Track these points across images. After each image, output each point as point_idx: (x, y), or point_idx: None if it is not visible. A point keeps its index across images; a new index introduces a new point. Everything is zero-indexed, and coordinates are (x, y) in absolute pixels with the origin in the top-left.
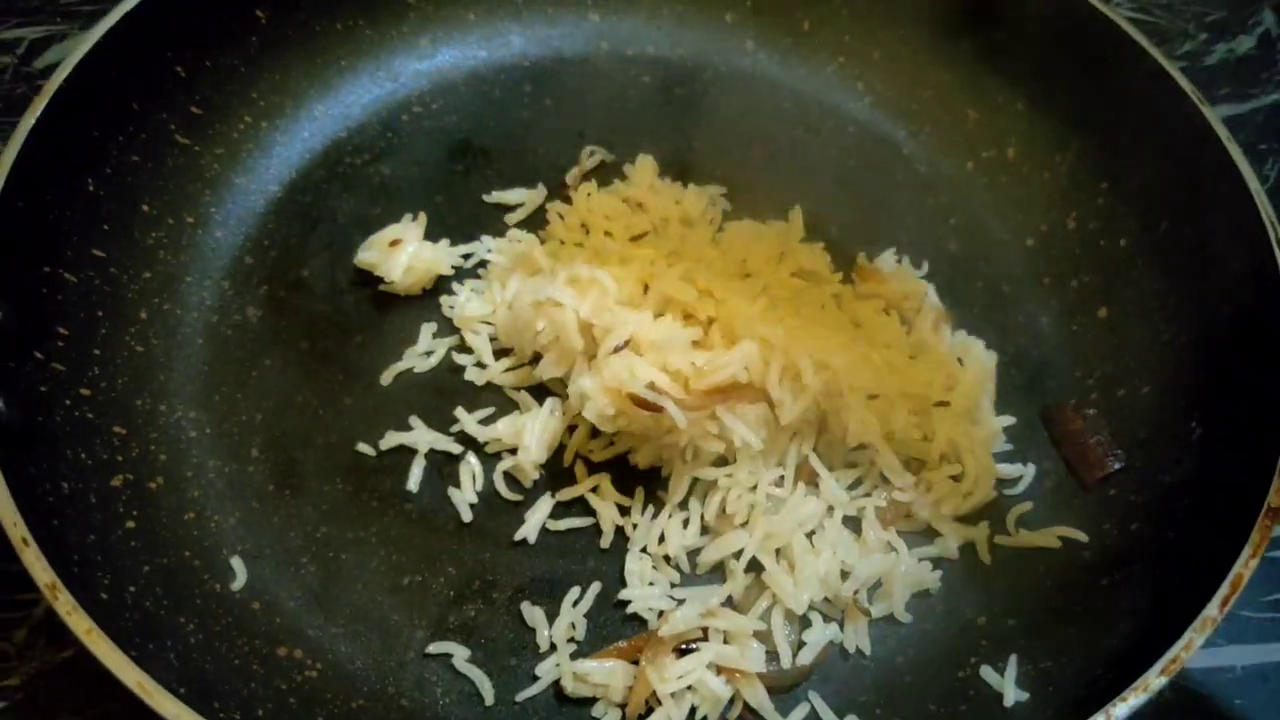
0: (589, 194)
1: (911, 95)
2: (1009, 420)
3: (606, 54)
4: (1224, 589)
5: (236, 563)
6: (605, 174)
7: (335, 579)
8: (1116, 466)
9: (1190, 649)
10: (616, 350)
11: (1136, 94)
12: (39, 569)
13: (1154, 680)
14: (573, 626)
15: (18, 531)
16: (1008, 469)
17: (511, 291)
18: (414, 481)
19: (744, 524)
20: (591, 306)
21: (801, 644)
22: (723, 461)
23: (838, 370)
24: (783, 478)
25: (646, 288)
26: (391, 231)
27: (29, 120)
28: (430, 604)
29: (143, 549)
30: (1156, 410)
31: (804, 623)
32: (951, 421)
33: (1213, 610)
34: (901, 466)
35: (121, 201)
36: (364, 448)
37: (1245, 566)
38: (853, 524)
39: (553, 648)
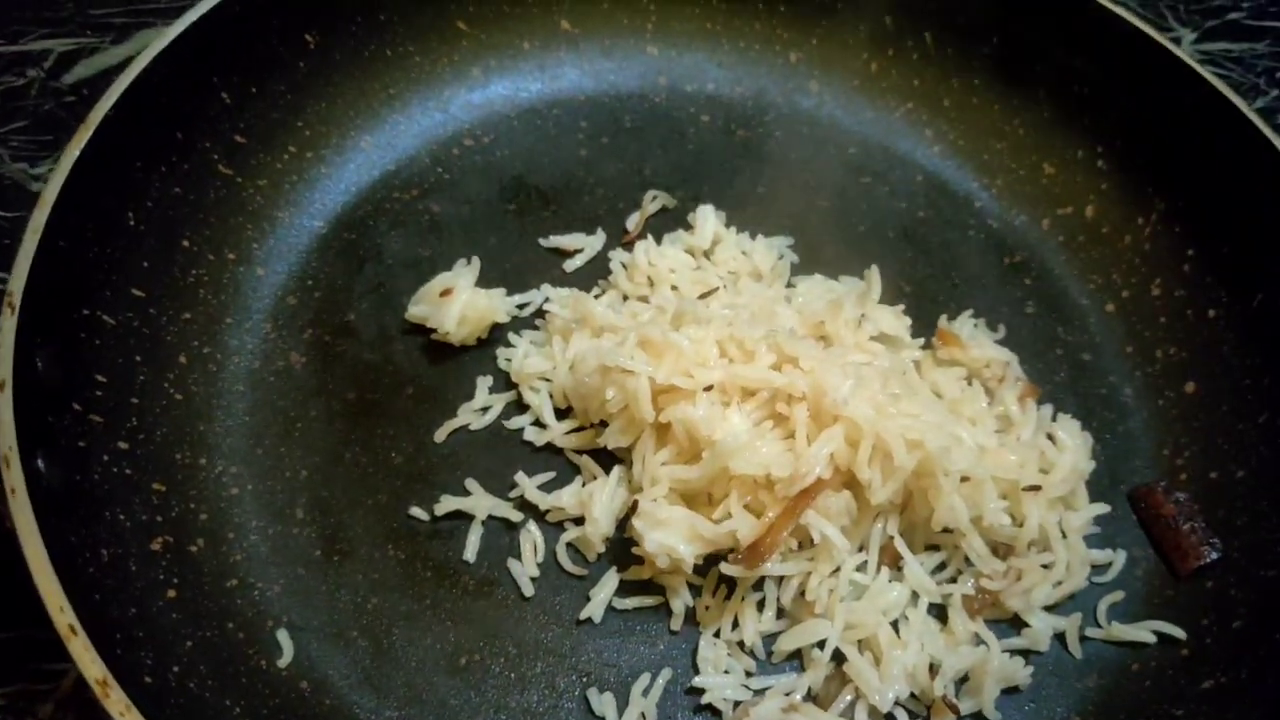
0: (648, 250)
1: (983, 145)
2: (1103, 508)
3: (665, 90)
4: None
5: (283, 636)
6: (667, 220)
7: (387, 656)
8: (1213, 557)
9: None
10: None
11: (1227, 155)
12: (87, 661)
13: None
14: (643, 717)
15: (65, 618)
16: (1097, 554)
17: (574, 351)
18: (471, 551)
19: (822, 612)
20: (666, 372)
21: None
22: (800, 545)
23: (930, 451)
24: (865, 564)
25: (721, 350)
26: (442, 280)
27: (73, 152)
28: (490, 687)
29: (185, 621)
30: (1253, 496)
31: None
32: (1044, 507)
33: None
34: (990, 552)
35: (162, 237)
36: (417, 512)
37: None
38: (936, 611)
39: None
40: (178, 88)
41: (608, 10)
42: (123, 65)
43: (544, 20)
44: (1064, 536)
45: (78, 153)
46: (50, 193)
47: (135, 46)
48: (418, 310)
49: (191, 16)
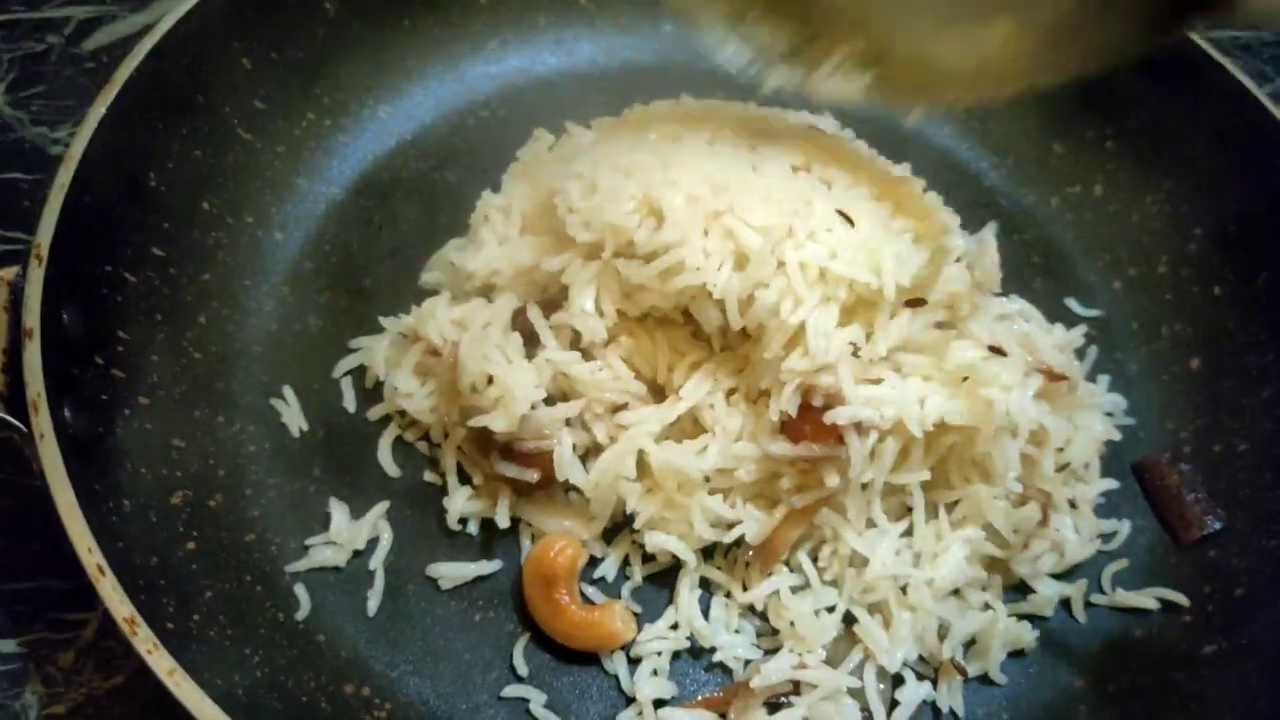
0: None
1: (994, 125)
2: (1113, 484)
3: (680, 67)
4: None
5: (300, 590)
6: None
7: (403, 612)
8: (1216, 527)
9: None
10: None
11: (1235, 137)
12: (115, 601)
13: None
14: (655, 674)
15: (93, 559)
16: (1103, 524)
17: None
18: None
19: (834, 580)
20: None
21: (895, 703)
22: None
23: (947, 418)
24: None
25: None
26: (456, 246)
27: (98, 111)
28: (504, 643)
29: (204, 572)
30: (1256, 469)
31: (896, 680)
32: (1056, 478)
33: None
34: (1010, 528)
35: (182, 198)
36: (431, 476)
37: None
38: None
39: (635, 697)
40: (200, 51)
41: None
42: (142, 32)
43: None
44: (1074, 508)
45: (103, 111)
46: (76, 150)
47: (154, 14)
48: (430, 277)
49: None
